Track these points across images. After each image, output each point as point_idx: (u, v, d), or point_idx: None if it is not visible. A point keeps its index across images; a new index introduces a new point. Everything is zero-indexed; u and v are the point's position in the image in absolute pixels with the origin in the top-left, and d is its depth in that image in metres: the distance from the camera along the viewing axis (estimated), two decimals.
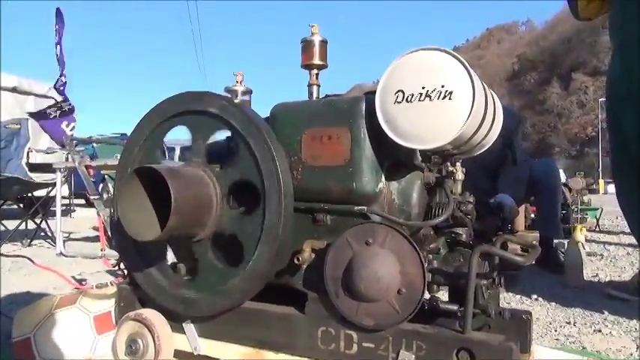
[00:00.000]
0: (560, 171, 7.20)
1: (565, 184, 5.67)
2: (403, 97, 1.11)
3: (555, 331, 1.91)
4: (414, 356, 1.07)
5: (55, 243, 3.99)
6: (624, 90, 2.25)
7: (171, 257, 1.42)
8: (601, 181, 17.95)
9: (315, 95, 1.40)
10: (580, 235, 3.06)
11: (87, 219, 6.21)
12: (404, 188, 1.25)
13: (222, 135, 1.40)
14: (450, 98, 1.07)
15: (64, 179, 4.22)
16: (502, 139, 2.91)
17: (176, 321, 1.35)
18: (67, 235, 4.72)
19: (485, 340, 1.02)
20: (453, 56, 1.10)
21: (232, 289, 1.24)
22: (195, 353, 1.34)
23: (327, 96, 1.36)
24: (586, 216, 5.81)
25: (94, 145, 5.77)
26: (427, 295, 1.19)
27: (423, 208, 1.27)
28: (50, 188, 4.65)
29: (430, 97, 1.08)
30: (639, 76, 2.17)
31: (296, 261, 1.20)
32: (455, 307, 1.11)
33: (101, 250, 2.91)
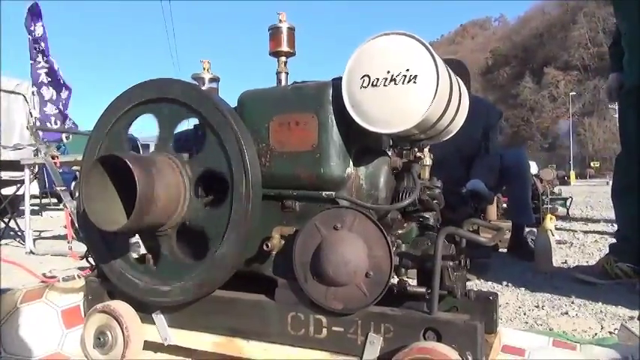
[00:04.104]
0: (533, 163, 7.36)
1: (536, 175, 5.79)
2: (369, 82, 1.12)
3: (524, 314, 1.95)
4: (381, 338, 1.08)
5: (24, 242, 3.90)
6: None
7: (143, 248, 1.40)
8: (572, 173, 18.36)
9: (283, 83, 1.39)
10: (550, 223, 3.12)
11: (59, 218, 6.06)
12: (372, 173, 1.26)
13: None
14: (414, 82, 1.08)
15: (32, 176, 4.11)
16: (482, 131, 3.00)
17: (145, 312, 1.34)
18: (37, 233, 4.60)
19: (451, 320, 1.04)
20: (418, 40, 1.11)
21: (200, 278, 1.23)
22: (166, 344, 1.33)
23: (295, 83, 1.35)
24: (556, 205, 5.94)
25: (64, 142, 5.66)
26: (396, 280, 1.21)
27: (390, 193, 1.28)
28: (19, 185, 4.53)
29: (395, 81, 1.09)
30: None
31: (265, 248, 1.20)
32: (422, 290, 1.13)
33: (68, 242, 2.85)
